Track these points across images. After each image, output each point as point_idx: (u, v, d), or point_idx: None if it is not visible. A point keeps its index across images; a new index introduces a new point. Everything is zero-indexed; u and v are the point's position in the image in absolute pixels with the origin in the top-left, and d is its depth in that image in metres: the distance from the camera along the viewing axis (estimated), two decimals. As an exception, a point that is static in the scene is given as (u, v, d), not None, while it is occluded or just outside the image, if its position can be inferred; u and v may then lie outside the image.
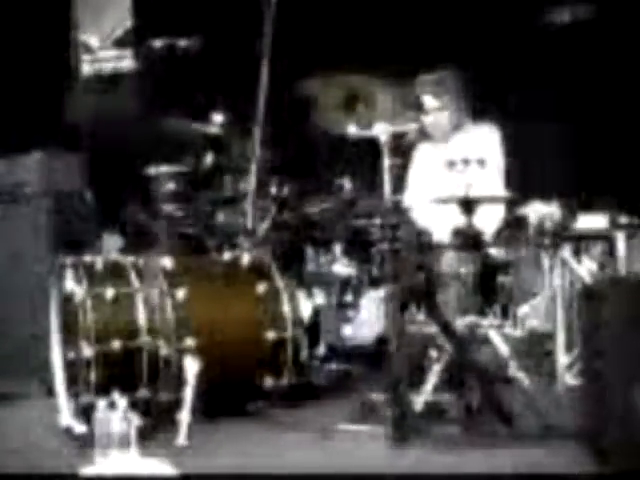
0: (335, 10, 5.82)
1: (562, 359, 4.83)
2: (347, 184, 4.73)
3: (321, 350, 4.88)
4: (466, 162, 4.74)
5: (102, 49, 7.99)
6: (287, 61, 5.04)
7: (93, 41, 8.08)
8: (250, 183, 4.67)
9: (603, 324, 3.85)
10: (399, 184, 4.40)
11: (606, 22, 5.91)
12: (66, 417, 4.50)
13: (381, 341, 4.51)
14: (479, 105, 5.00)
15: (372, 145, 4.29)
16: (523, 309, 5.57)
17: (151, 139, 5.25)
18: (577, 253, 4.98)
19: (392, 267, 4.17)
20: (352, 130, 4.29)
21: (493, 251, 4.83)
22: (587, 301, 3.95)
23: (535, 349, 5.10)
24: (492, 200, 4.51)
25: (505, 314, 5.28)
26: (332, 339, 4.87)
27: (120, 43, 8.06)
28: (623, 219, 4.75)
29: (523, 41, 5.84)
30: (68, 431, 4.40)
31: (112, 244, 5.94)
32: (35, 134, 6.21)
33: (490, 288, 4.84)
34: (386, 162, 4.22)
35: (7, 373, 5.42)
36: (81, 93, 7.56)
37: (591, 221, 4.76)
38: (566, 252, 4.85)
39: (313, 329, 4.83)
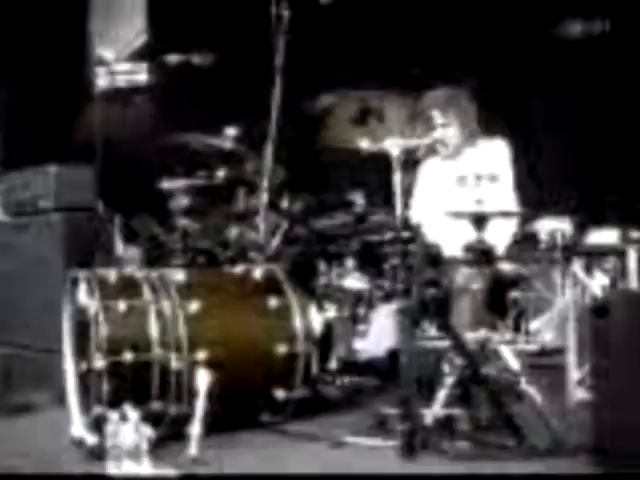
0: (347, 26, 5.85)
1: (573, 374, 4.84)
2: (359, 199, 4.76)
3: (333, 364, 4.90)
4: (478, 177, 4.76)
5: (118, 62, 8.07)
6: (300, 76, 5.09)
7: (109, 55, 8.16)
8: (262, 197, 4.71)
9: (612, 339, 3.89)
10: (407, 199, 4.41)
11: (620, 36, 5.93)
12: (78, 429, 4.55)
13: (393, 355, 4.52)
14: (490, 119, 5.01)
15: (384, 160, 4.34)
16: (535, 324, 5.61)
17: (165, 153, 5.28)
18: (589, 268, 5.01)
19: (404, 281, 4.22)
20: (364, 145, 4.32)
21: (505, 266, 4.87)
22: (596, 316, 3.97)
23: (547, 363, 5.13)
24: (503, 216, 4.52)
25: (518, 329, 5.33)
26: (344, 353, 4.89)
27: (135, 57, 8.15)
28: (634, 234, 4.76)
29: (537, 54, 5.86)
30: (80, 443, 4.46)
31: (131, 256, 5.97)
32: (50, 147, 6.27)
33: (501, 303, 4.88)
34: (397, 177, 4.26)
35: (24, 384, 5.50)
36: (96, 106, 7.63)
37: (602, 236, 4.78)
38: (577, 267, 4.88)
39: (325, 343, 4.86)
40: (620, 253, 4.73)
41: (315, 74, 5.63)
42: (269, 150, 4.73)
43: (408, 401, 4.21)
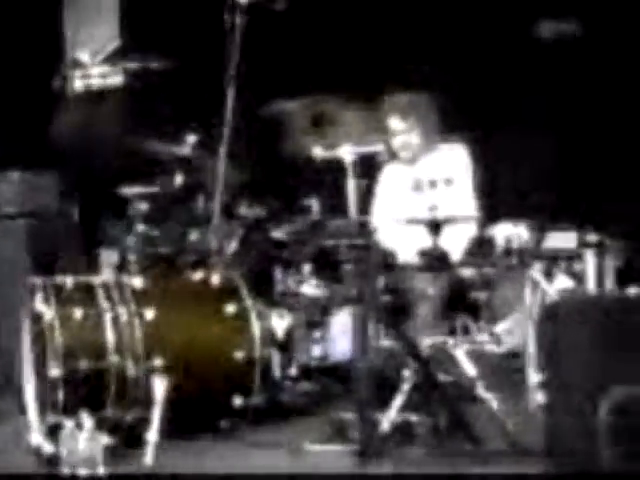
0: (302, 32, 5.86)
1: (533, 377, 4.86)
2: (315, 205, 4.77)
3: (293, 370, 4.91)
4: (433, 183, 4.78)
5: (93, 65, 8.05)
6: (255, 82, 5.09)
7: (84, 57, 8.14)
8: (217, 204, 4.72)
9: (563, 343, 3.90)
10: (366, 205, 4.42)
11: (592, 39, 5.95)
12: (36, 436, 4.54)
13: (352, 361, 4.53)
14: (449, 125, 5.03)
15: (339, 166, 4.35)
16: (499, 327, 5.62)
17: (126, 159, 5.28)
18: (549, 272, 5.02)
19: (358, 288, 4.23)
20: (318, 151, 4.33)
21: (466, 271, 4.88)
22: (547, 320, 3.99)
23: (510, 367, 5.14)
24: (457, 221, 4.53)
25: (482, 332, 5.34)
26: (303, 359, 4.90)
27: (110, 60, 8.14)
28: (591, 237, 4.78)
29: (511, 56, 5.87)
30: (38, 451, 4.45)
31: (109, 260, 5.96)
32: (17, 151, 6.25)
33: (460, 307, 4.90)
34: (351, 183, 4.27)
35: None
36: (66, 110, 7.60)
37: (561, 240, 4.79)
38: (536, 271, 4.90)
39: (285, 349, 4.87)
40: (577, 256, 4.77)
41: (271, 80, 5.66)
42: (223, 156, 4.73)
43: (364, 407, 4.24)
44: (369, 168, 4.60)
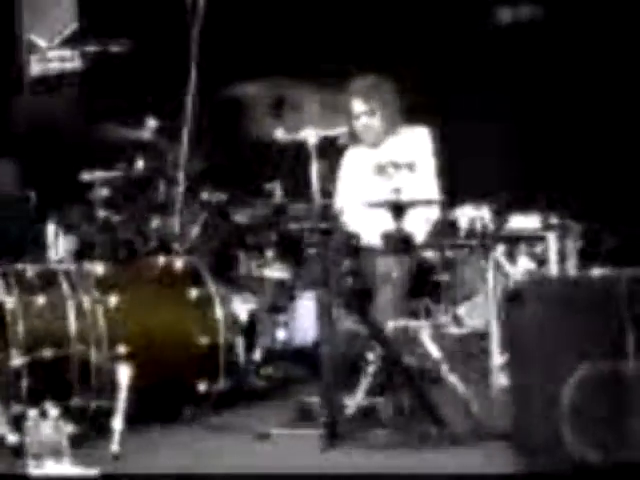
0: (264, 14, 5.82)
1: (496, 359, 4.88)
2: (277, 189, 4.76)
3: (257, 354, 4.90)
4: (396, 166, 4.78)
5: (50, 49, 7.95)
6: (216, 65, 5.06)
7: (41, 41, 8.05)
8: (179, 189, 4.69)
9: (525, 325, 3.93)
10: (328, 188, 4.42)
11: (549, 23, 5.96)
12: (1, 427, 4.51)
13: (317, 345, 4.53)
14: (411, 108, 5.02)
15: (301, 149, 4.33)
16: (461, 309, 5.64)
17: (86, 144, 5.23)
18: (511, 253, 5.04)
19: (322, 272, 4.23)
20: (279, 134, 4.31)
21: (429, 253, 4.89)
22: (509, 302, 4.01)
23: (474, 349, 5.16)
24: (419, 204, 4.54)
25: (444, 314, 5.36)
26: (267, 343, 4.90)
27: (67, 43, 8.04)
28: (554, 219, 4.81)
29: (456, 41, 5.87)
30: (2, 441, 4.41)
31: (68, 246, 5.91)
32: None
33: (424, 289, 4.91)
34: (314, 166, 4.26)
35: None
36: (23, 95, 7.52)
37: (524, 222, 4.81)
38: (499, 253, 4.92)
39: (250, 333, 4.86)
40: (540, 238, 4.79)
41: (231, 63, 5.61)
42: (185, 140, 4.70)
43: (329, 391, 4.24)
44: (331, 152, 4.58)
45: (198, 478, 3.98)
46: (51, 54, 7.89)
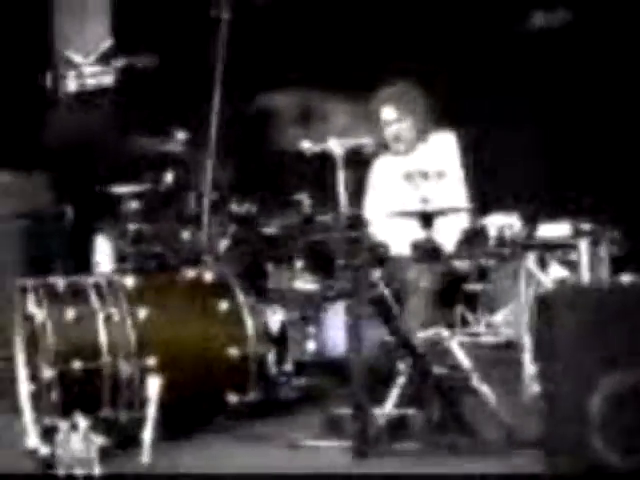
0: (290, 24, 5.82)
1: (528, 368, 4.84)
2: (305, 199, 4.75)
3: (288, 366, 4.89)
4: (424, 175, 4.76)
5: (86, 65, 8.03)
6: (243, 78, 5.06)
7: (77, 57, 8.12)
8: (206, 200, 4.70)
9: (556, 333, 3.88)
10: (356, 198, 4.40)
11: (581, 27, 5.91)
12: (32, 439, 4.53)
13: (346, 355, 4.50)
14: (442, 113, 5.00)
15: (329, 159, 4.32)
16: (497, 318, 5.60)
17: (116, 158, 5.26)
18: (542, 261, 5.00)
19: (350, 282, 4.21)
20: (306, 145, 4.31)
21: (460, 262, 4.86)
22: (540, 310, 3.97)
23: (507, 357, 5.12)
24: (448, 212, 4.50)
25: (479, 323, 5.32)
26: (297, 354, 4.89)
27: (102, 59, 8.12)
28: (585, 226, 4.76)
29: (486, 47, 5.83)
30: (34, 453, 4.43)
31: (104, 260, 5.95)
32: (8, 152, 6.23)
33: (455, 299, 4.88)
34: (341, 176, 4.25)
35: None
36: (58, 110, 7.59)
37: (554, 229, 4.76)
38: (530, 261, 4.87)
39: (280, 344, 4.85)
40: (571, 246, 4.74)
41: (259, 74, 5.61)
42: (211, 152, 4.71)
43: (358, 402, 4.22)
44: (359, 161, 4.57)
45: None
46: (87, 70, 7.98)
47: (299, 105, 4.47)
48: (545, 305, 3.95)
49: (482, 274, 4.77)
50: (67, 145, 6.83)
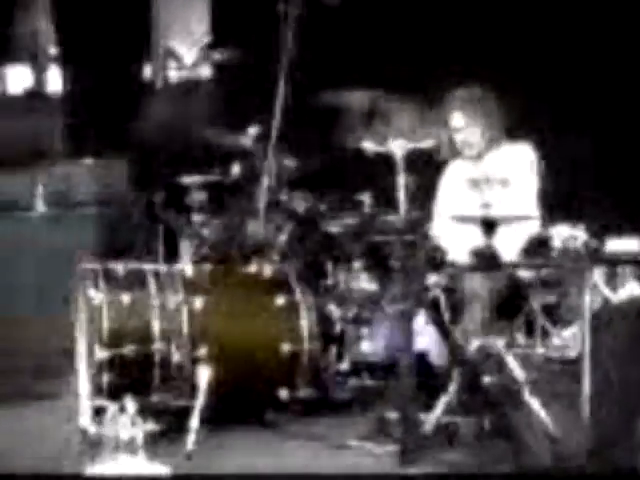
0: (359, 25, 5.79)
1: (586, 385, 4.70)
2: (367, 199, 4.72)
3: (344, 365, 4.87)
4: (488, 181, 4.67)
5: (189, 56, 8.15)
6: (312, 74, 5.06)
7: (180, 49, 8.26)
8: (262, 195, 4.71)
9: (608, 351, 3.78)
10: (416, 201, 4.35)
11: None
12: (85, 419, 4.61)
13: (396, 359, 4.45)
14: (514, 122, 4.90)
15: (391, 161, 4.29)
16: (567, 332, 5.47)
17: (189, 149, 5.33)
18: (613, 276, 4.85)
19: (404, 285, 4.16)
20: (368, 145, 4.28)
21: (525, 272, 4.76)
22: (594, 328, 3.87)
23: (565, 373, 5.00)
24: (509, 220, 4.40)
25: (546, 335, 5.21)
26: (353, 355, 4.86)
27: (204, 52, 8.23)
28: (657, 242, 4.59)
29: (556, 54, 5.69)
30: (84, 432, 4.52)
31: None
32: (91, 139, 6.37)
33: (519, 309, 4.78)
34: (401, 178, 4.21)
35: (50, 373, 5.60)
36: (155, 100, 7.71)
37: (623, 244, 4.62)
38: (597, 276, 4.73)
39: (337, 344, 4.83)
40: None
41: (329, 71, 5.60)
42: (272, 148, 4.72)
43: (406, 406, 4.17)
44: (422, 164, 4.51)
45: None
46: (188, 62, 8.10)
47: (365, 104, 4.45)
48: (597, 322, 3.88)
49: (547, 285, 4.67)
50: (155, 134, 6.95)
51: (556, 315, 5.27)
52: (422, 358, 4.75)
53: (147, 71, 8.20)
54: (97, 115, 7.20)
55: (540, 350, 5.01)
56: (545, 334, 5.46)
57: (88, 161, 5.99)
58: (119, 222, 5.87)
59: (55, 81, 8.28)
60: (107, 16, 7.45)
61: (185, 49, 8.06)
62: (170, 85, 7.78)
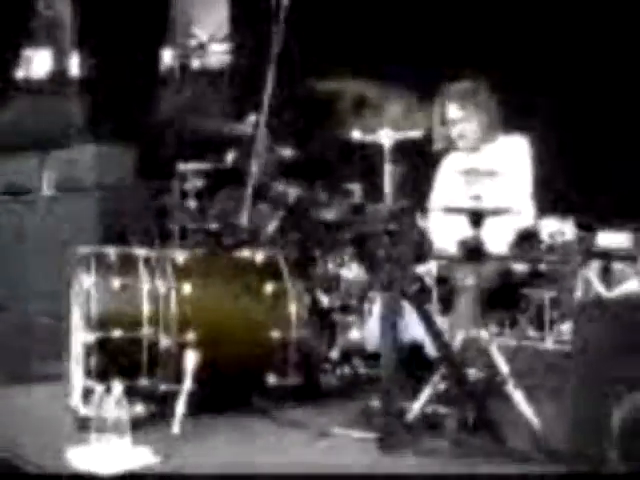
0: (350, 15, 5.78)
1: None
2: (357, 189, 4.75)
3: (334, 353, 4.90)
4: (480, 174, 4.68)
5: (212, 44, 8.19)
6: (303, 62, 5.08)
7: (203, 36, 8.31)
8: (249, 184, 4.74)
9: (586, 345, 3.78)
10: (404, 191, 4.36)
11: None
12: (75, 400, 4.68)
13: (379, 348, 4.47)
14: (509, 115, 4.90)
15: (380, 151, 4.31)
16: (564, 326, 5.48)
17: (188, 137, 5.38)
18: (606, 271, 4.85)
19: (387, 274, 4.18)
20: (356, 135, 4.30)
21: (517, 265, 4.77)
22: (576, 322, 3.87)
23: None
24: (500, 213, 4.42)
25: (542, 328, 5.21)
26: (343, 343, 4.89)
27: (225, 40, 8.27)
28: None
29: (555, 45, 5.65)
30: (75, 412, 4.58)
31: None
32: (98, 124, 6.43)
33: (512, 301, 4.79)
34: (388, 168, 4.23)
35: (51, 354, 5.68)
36: (170, 87, 7.76)
37: (613, 239, 4.62)
38: (590, 270, 4.74)
39: (327, 332, 4.86)
40: (631, 258, 4.59)
41: (316, 61, 5.61)
42: (261, 135, 4.75)
43: (388, 395, 4.19)
44: (411, 154, 4.53)
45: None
46: (211, 49, 8.14)
47: (354, 93, 4.47)
48: (578, 317, 3.88)
49: (537, 279, 4.67)
50: (166, 120, 7.00)
51: (550, 308, 5.28)
52: (417, 349, 4.81)
53: (166, 58, 8.30)
54: (109, 101, 7.29)
55: (526, 343, 5.01)
56: (538, 327, 5.49)
57: (92, 146, 6.03)
58: (123, 207, 5.92)
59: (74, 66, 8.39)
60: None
61: (205, 36, 8.15)
62: (197, 72, 7.84)
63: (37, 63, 8.38)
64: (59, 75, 8.20)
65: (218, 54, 8.11)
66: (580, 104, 5.52)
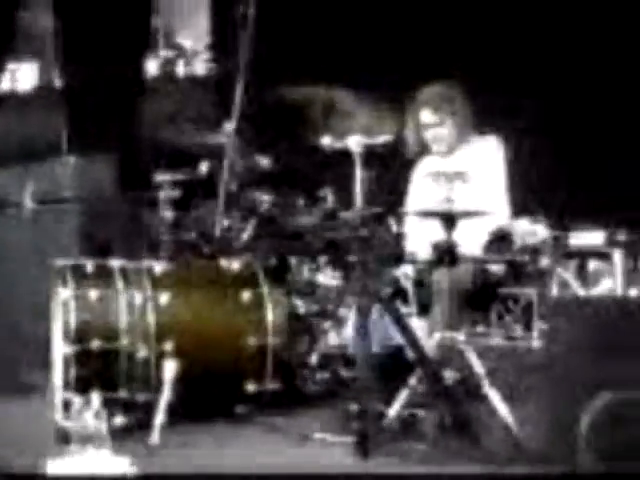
0: (319, 21, 5.81)
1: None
2: (329, 195, 4.77)
3: (312, 358, 4.93)
4: (453, 177, 4.71)
5: (196, 52, 8.21)
6: (273, 71, 5.10)
7: (187, 43, 8.32)
8: (220, 192, 4.77)
9: (558, 345, 3.81)
10: (375, 196, 4.40)
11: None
12: (58, 412, 4.70)
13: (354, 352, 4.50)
14: (482, 117, 4.92)
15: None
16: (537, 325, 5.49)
17: (164, 147, 5.39)
18: (582, 269, 4.86)
19: (359, 279, 4.21)
20: (326, 141, 4.33)
21: (494, 266, 4.80)
22: (550, 320, 3.91)
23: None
24: (473, 215, 4.44)
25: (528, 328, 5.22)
26: (320, 348, 4.92)
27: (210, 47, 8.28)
28: (621, 236, 4.61)
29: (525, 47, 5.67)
30: (56, 424, 4.60)
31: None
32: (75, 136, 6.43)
33: (490, 302, 4.81)
34: (358, 173, 4.26)
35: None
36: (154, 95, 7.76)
37: (586, 238, 4.64)
38: (567, 271, 4.75)
39: (305, 337, 4.89)
40: (603, 255, 4.61)
41: (286, 68, 5.63)
42: (230, 143, 4.77)
43: (364, 399, 4.22)
44: (381, 160, 4.55)
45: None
46: (196, 57, 8.16)
47: (323, 100, 4.50)
48: (550, 316, 3.91)
49: (513, 279, 4.70)
50: (146, 131, 7.01)
51: (522, 308, 5.30)
52: (399, 352, 4.84)
53: (150, 67, 8.31)
54: (92, 111, 7.29)
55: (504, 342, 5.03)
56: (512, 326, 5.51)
57: (71, 158, 6.04)
58: (105, 219, 5.94)
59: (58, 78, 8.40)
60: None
61: (188, 44, 8.16)
62: (184, 79, 7.85)
63: (21, 76, 8.41)
64: (41, 88, 8.22)
65: (200, 63, 8.15)
66: (555, 104, 5.53)
